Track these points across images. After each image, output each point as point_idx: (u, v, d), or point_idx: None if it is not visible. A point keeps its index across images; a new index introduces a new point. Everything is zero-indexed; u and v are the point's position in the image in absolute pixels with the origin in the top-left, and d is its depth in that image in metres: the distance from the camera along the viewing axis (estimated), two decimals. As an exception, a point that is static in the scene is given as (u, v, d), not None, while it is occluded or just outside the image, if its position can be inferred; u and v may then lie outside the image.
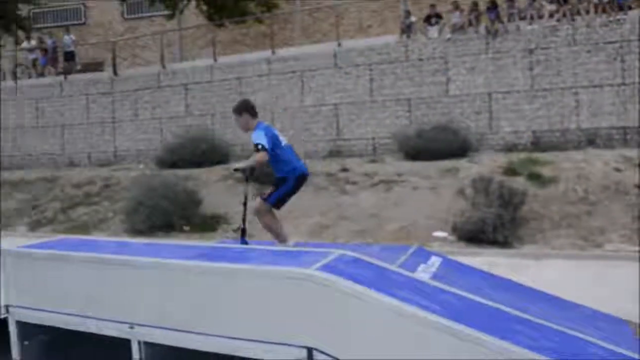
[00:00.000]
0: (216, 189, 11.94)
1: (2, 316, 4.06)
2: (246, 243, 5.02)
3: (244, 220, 5.21)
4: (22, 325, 4.01)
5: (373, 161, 12.52)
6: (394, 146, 12.81)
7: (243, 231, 5.22)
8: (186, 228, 10.62)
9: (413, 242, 7.09)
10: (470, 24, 13.14)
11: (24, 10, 21.38)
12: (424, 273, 3.45)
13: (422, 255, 4.50)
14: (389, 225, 10.02)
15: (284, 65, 14.25)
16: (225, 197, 11.62)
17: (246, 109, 5.11)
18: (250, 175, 5.20)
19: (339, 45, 14.29)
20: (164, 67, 15.94)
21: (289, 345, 2.89)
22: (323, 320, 2.79)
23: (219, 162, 13.34)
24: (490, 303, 2.93)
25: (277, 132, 5.06)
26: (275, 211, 5.20)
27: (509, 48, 12.44)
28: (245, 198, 4.92)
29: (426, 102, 13.08)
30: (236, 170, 5.43)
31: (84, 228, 11.68)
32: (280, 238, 5.17)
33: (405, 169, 11.58)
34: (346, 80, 13.70)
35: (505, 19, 12.94)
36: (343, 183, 11.52)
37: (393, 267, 3.36)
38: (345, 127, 13.73)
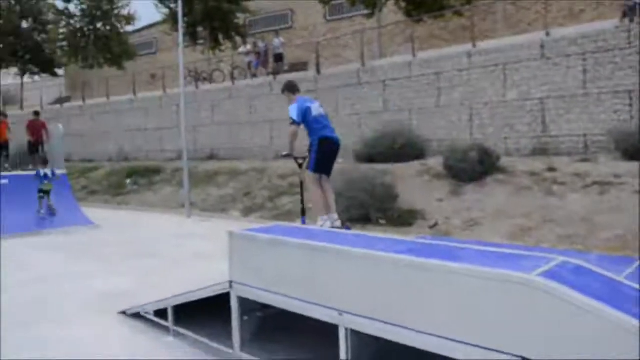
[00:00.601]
0: (412, 184, 11.96)
1: (226, 290, 4.54)
2: (304, 223, 5.90)
3: (301, 201, 6.16)
4: (242, 301, 4.41)
5: (584, 160, 11.40)
6: (610, 144, 11.52)
7: (303, 211, 6.11)
8: (382, 222, 10.81)
9: (631, 253, 6.32)
10: None
11: (241, 19, 23.75)
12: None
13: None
14: (603, 233, 9.03)
15: (485, 58, 13.69)
16: (421, 193, 11.60)
17: (287, 87, 6.19)
18: (292, 154, 6.04)
19: (547, 34, 13.27)
20: (363, 64, 16.43)
21: (500, 352, 2.76)
22: (540, 331, 2.61)
23: (416, 158, 13.36)
24: None
25: (310, 104, 5.87)
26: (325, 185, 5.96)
27: None
28: (301, 180, 5.62)
29: (652, 94, 11.52)
30: (284, 156, 6.33)
31: (288, 215, 12.57)
32: (323, 211, 5.90)
33: (624, 170, 10.33)
34: (555, 72, 12.66)
35: None
36: (549, 183, 10.68)
37: (623, 280, 3.01)
38: (552, 122, 12.73)
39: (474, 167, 11.29)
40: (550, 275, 2.66)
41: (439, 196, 11.34)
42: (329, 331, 3.92)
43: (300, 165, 6.21)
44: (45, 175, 12.70)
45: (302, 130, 6.10)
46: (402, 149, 13.44)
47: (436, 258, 3.13)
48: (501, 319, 2.74)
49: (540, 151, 12.63)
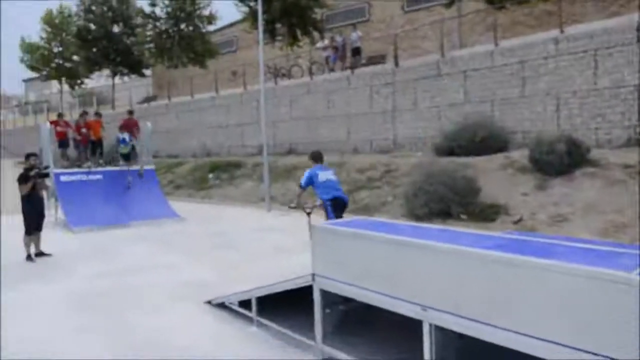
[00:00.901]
0: (495, 178, 11.56)
1: (309, 283, 4.59)
2: None
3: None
4: (324, 294, 4.45)
5: (686, 151, 10.57)
6: None
7: None
8: (463, 217, 10.54)
9: None
10: None
11: (318, 14, 23.86)
12: None
13: None
14: None
15: (574, 44, 12.95)
16: (505, 187, 11.19)
17: (311, 157, 8.04)
18: (300, 207, 8.00)
19: (644, 16, 12.36)
20: (443, 55, 16.04)
21: (591, 353, 2.61)
22: (637, 332, 2.44)
23: (499, 150, 12.91)
24: None
25: (320, 172, 7.65)
26: None
27: None
28: (309, 225, 6.21)
29: None
30: (291, 207, 8.54)
31: (366, 210, 12.53)
32: None
33: None
34: (653, 56, 11.79)
35: None
36: (646, 176, 9.99)
37: None
38: (649, 111, 11.86)
39: (561, 160, 10.73)
40: (656, 274, 2.48)
41: (524, 190, 10.89)
42: (410, 327, 3.88)
43: (303, 210, 7.94)
44: (124, 140, 13.63)
45: None
46: (484, 141, 13.02)
47: (527, 254, 3.00)
48: (595, 319, 2.60)
49: (635, 142, 11.81)
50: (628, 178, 10.05)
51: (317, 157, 8.04)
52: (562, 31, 13.67)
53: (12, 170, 25.94)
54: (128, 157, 14.02)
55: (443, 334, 3.50)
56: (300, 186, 7.73)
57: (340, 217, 7.36)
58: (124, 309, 6.15)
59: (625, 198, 9.57)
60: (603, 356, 2.55)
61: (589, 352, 2.60)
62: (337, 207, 7.46)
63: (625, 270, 2.53)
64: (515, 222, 9.86)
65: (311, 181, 7.61)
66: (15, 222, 9.27)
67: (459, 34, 19.08)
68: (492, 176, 11.68)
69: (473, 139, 13.11)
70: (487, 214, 10.42)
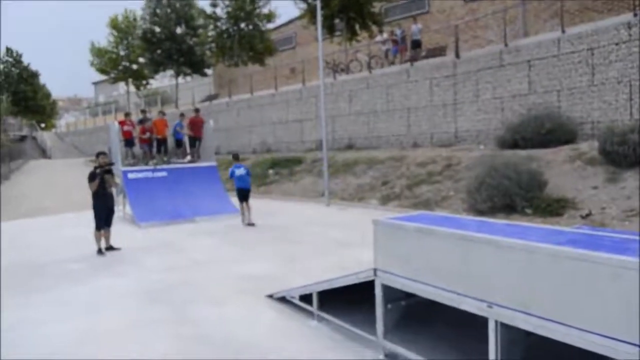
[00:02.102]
0: (562, 171, 11.10)
1: (370, 278, 4.55)
2: None
3: None
4: (386, 289, 4.40)
5: None
6: None
7: None
8: (528, 211, 10.18)
9: None
10: None
11: (377, 7, 23.63)
12: None
13: None
14: None
15: (649, 28, 12.23)
16: (572, 180, 10.73)
17: (233, 157, 12.73)
18: None
19: None
20: (506, 45, 15.53)
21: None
22: None
23: (566, 142, 12.38)
24: None
25: (236, 169, 12.01)
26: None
27: None
28: None
29: None
30: None
31: (426, 204, 12.33)
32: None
33: None
34: None
35: None
36: None
37: None
38: None
39: (634, 151, 10.16)
40: None
41: (593, 184, 10.39)
42: (473, 324, 3.78)
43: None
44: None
45: None
46: (549, 133, 12.53)
47: (603, 250, 2.85)
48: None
49: None
50: None
51: (235, 157, 12.75)
52: (635, 14, 12.92)
53: (81, 167, 27.27)
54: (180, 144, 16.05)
55: (509, 332, 3.39)
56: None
57: (244, 201, 11.92)
58: (190, 302, 6.32)
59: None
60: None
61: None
62: (240, 194, 11.98)
63: None
64: (584, 217, 9.43)
65: (232, 174, 12.08)
66: (88, 217, 9.71)
67: (522, 21, 18.39)
68: (558, 169, 11.23)
69: (539, 130, 12.65)
70: (554, 208, 10.01)
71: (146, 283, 7.27)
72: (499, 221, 4.73)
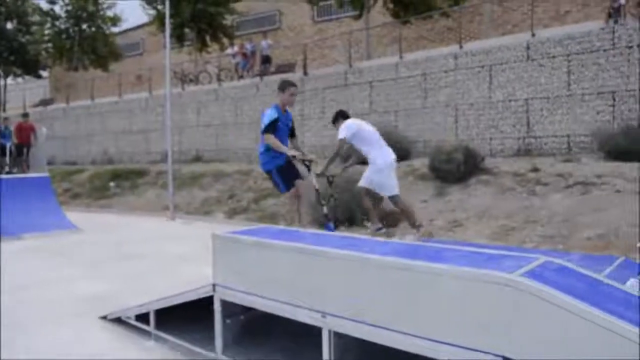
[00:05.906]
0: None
1: (209, 294, 4.47)
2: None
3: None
4: (225, 304, 4.34)
5: (567, 161, 11.46)
6: (593, 145, 11.63)
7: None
8: (367, 224, 10.77)
9: (613, 253, 6.33)
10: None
11: (229, 20, 23.62)
12: (633, 288, 3.04)
13: (630, 267, 3.99)
14: (585, 232, 9.07)
15: (472, 59, 13.73)
16: (406, 194, 11.51)
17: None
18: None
19: (533, 35, 13.33)
20: (350, 65, 16.41)
21: (483, 352, 2.74)
22: (523, 331, 2.58)
23: (401, 159, 13.31)
24: None
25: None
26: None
27: None
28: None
29: (634, 96, 11.61)
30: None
31: (272, 218, 12.50)
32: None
33: (607, 171, 10.39)
34: (539, 73, 12.73)
35: None
36: (533, 184, 10.71)
37: (604, 279, 3.00)
38: (536, 123, 12.79)
39: (458, 168, 11.30)
40: (533, 275, 2.64)
41: (424, 197, 11.33)
42: (311, 335, 3.87)
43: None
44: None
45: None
46: (387, 150, 13.41)
47: (421, 259, 3.09)
48: (485, 320, 2.71)
49: (525, 152, 12.70)
50: (517, 185, 10.74)
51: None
52: (461, 47, 14.44)
53: None
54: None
55: (343, 341, 3.51)
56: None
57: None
58: (18, 325, 5.67)
59: (515, 204, 10.22)
60: (496, 355, 2.65)
61: (486, 352, 2.69)
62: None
63: (508, 271, 2.67)
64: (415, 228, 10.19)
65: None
66: None
67: (366, 45, 19.60)
68: (395, 184, 12.05)
69: (378, 147, 13.47)
70: (389, 220, 10.71)
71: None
72: (335, 234, 4.93)
